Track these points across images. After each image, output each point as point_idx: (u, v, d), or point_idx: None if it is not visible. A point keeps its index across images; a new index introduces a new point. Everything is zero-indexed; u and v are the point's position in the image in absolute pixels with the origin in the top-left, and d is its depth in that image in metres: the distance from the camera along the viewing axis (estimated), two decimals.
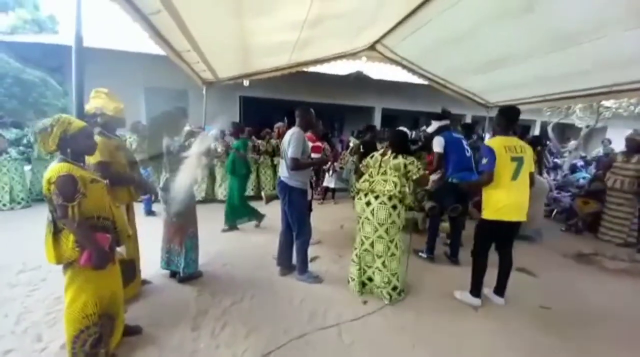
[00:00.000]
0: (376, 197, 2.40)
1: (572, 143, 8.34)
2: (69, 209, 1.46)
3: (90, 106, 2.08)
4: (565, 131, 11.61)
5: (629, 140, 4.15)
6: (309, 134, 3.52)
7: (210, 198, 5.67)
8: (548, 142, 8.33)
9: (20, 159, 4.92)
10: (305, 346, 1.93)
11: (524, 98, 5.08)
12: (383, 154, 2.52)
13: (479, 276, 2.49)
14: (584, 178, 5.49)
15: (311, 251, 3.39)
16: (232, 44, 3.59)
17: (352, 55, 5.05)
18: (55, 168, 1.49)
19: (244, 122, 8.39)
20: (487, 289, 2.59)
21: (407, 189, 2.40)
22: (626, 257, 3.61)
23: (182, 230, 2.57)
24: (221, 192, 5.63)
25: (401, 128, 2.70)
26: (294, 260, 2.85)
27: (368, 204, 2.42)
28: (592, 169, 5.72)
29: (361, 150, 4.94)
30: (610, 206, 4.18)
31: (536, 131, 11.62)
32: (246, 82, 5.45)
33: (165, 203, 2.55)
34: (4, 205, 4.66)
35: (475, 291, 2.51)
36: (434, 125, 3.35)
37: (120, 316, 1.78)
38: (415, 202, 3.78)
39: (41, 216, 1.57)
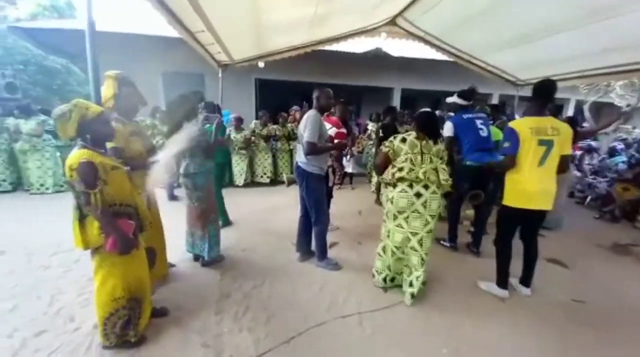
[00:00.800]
0: (425, 187, 2.14)
1: (611, 124, 7.67)
2: (91, 196, 1.46)
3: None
4: (604, 111, 10.73)
5: None
6: (334, 118, 3.41)
7: (226, 183, 5.73)
8: (584, 124, 7.74)
9: (59, 146, 5.06)
10: (325, 334, 1.92)
11: (558, 74, 4.66)
12: (418, 138, 2.23)
13: (504, 265, 2.38)
14: (623, 162, 5.07)
15: (330, 238, 3.36)
16: (246, 22, 3.46)
17: (371, 31, 4.79)
18: (76, 154, 1.48)
19: (260, 105, 8.33)
20: (514, 280, 2.47)
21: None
22: None
23: (204, 215, 2.59)
24: (235, 174, 5.68)
25: (426, 109, 2.49)
26: (313, 246, 2.83)
27: (418, 195, 2.14)
28: (634, 152, 5.25)
29: (380, 134, 4.74)
30: None
31: (570, 111, 10.81)
32: (261, 64, 5.33)
33: (186, 188, 2.57)
34: (47, 188, 4.88)
35: (502, 281, 2.39)
36: (455, 99, 3.07)
37: (148, 299, 1.82)
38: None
39: None
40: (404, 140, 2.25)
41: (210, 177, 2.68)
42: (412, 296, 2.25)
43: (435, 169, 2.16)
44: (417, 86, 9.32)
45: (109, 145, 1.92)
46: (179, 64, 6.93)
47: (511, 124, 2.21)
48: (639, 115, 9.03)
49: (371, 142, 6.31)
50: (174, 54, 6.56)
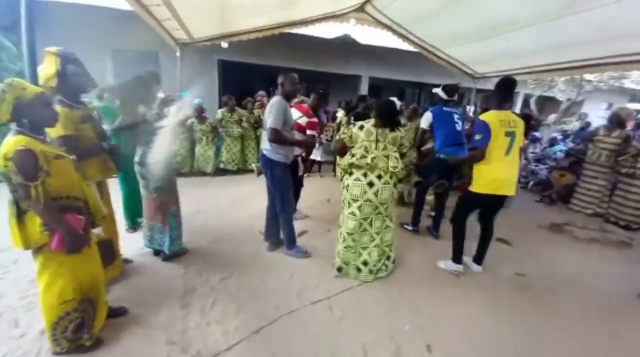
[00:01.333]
0: (379, 177, 2.22)
1: (552, 116, 8.53)
2: (32, 189, 1.30)
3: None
4: (546, 104, 11.84)
5: (613, 115, 4.25)
6: (305, 106, 3.30)
7: (191, 171, 5.45)
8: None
9: None
10: (296, 321, 1.95)
11: (511, 69, 5.04)
12: (376, 126, 2.29)
13: (460, 242, 2.59)
14: (560, 151, 5.68)
15: (299, 226, 3.38)
16: None
17: (340, 16, 4.72)
18: (11, 142, 1.30)
19: (224, 89, 7.91)
20: (467, 258, 2.70)
21: (402, 164, 2.32)
22: (596, 227, 3.87)
23: (164, 206, 2.44)
24: (201, 162, 5.42)
25: (393, 99, 2.55)
26: (282, 235, 2.82)
27: (370, 185, 2.22)
28: (570, 143, 5.91)
29: (352, 121, 4.78)
30: (585, 178, 4.38)
31: (519, 103, 11.78)
32: (225, 44, 5.02)
33: (142, 178, 2.38)
34: None
35: (457, 257, 2.61)
36: (439, 92, 3.20)
37: (102, 299, 1.70)
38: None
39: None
40: (361, 127, 2.31)
41: (170, 165, 2.51)
42: (370, 272, 2.40)
43: (387, 156, 2.23)
44: (383, 75, 9.47)
45: (56, 133, 1.71)
46: (131, 41, 6.27)
47: (482, 117, 2.36)
48: (577, 109, 10.14)
49: (341, 130, 6.34)
50: (124, 29, 5.92)
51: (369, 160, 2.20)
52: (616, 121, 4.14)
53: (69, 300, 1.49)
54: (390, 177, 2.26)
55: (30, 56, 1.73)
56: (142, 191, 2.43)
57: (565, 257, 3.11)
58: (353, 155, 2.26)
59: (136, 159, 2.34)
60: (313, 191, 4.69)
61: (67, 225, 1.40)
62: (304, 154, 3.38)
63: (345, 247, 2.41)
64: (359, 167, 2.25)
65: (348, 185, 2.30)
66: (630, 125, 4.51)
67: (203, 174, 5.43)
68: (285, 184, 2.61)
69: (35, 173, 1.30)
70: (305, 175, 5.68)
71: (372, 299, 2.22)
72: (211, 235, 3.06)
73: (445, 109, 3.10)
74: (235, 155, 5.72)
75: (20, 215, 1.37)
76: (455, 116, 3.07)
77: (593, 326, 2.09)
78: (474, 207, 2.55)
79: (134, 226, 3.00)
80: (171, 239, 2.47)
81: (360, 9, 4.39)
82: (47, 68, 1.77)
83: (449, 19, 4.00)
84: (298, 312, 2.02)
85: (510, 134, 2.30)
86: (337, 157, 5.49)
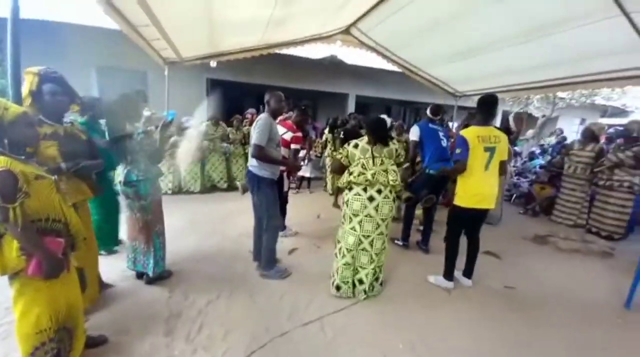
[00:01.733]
0: (379, 191, 2.23)
1: (530, 132, 8.94)
2: (10, 212, 1.24)
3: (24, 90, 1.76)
4: (523, 120, 12.43)
5: (585, 130, 4.50)
6: (289, 122, 3.38)
7: (177, 190, 5.34)
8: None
9: None
10: (287, 343, 1.88)
11: (490, 88, 5.30)
12: (370, 143, 2.32)
13: (452, 260, 2.60)
14: (540, 164, 5.93)
15: (289, 243, 3.35)
16: (197, 18, 3.27)
17: (327, 38, 4.90)
18: None
19: (211, 107, 7.93)
20: (457, 272, 2.71)
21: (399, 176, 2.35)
22: (578, 237, 3.99)
23: (148, 226, 2.36)
24: (185, 183, 5.32)
25: (383, 116, 2.64)
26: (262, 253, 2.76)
27: (371, 199, 2.22)
28: (548, 156, 6.18)
29: (341, 136, 4.86)
30: (564, 190, 4.56)
31: (498, 120, 12.30)
32: (213, 63, 5.09)
33: (127, 197, 2.31)
34: None
35: (449, 274, 2.62)
36: (427, 112, 3.40)
37: (80, 327, 1.59)
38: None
39: None
40: (356, 146, 2.35)
41: (155, 184, 2.46)
42: (365, 292, 2.36)
43: (386, 171, 2.26)
44: (370, 93, 9.77)
45: None
46: (118, 59, 6.28)
47: (462, 133, 2.46)
48: (552, 125, 10.67)
49: (328, 148, 6.42)
50: (111, 46, 5.92)
51: (369, 176, 2.21)
52: (589, 136, 4.37)
53: (45, 329, 1.39)
54: (390, 192, 2.27)
55: (15, 74, 1.70)
56: (126, 211, 2.36)
57: (550, 268, 3.17)
58: (351, 173, 2.27)
59: (120, 178, 2.29)
60: (303, 207, 4.67)
61: (45, 249, 1.33)
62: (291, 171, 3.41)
63: (344, 265, 2.35)
64: (358, 183, 2.26)
65: (348, 200, 2.30)
66: (602, 139, 4.76)
67: (190, 192, 5.31)
68: (272, 200, 2.59)
69: (14, 195, 1.25)
70: (294, 191, 5.71)
71: (364, 318, 2.18)
72: (198, 255, 2.97)
73: (431, 125, 3.21)
74: (222, 173, 5.66)
75: None
76: (440, 133, 3.19)
77: (582, 337, 2.11)
78: (462, 222, 2.58)
79: (109, 251, 2.88)
80: (155, 260, 2.38)
81: (346, 31, 4.58)
82: (24, 88, 1.74)
83: (430, 41, 4.23)
84: (289, 334, 1.95)
85: (490, 150, 2.38)
86: (329, 173, 5.57)
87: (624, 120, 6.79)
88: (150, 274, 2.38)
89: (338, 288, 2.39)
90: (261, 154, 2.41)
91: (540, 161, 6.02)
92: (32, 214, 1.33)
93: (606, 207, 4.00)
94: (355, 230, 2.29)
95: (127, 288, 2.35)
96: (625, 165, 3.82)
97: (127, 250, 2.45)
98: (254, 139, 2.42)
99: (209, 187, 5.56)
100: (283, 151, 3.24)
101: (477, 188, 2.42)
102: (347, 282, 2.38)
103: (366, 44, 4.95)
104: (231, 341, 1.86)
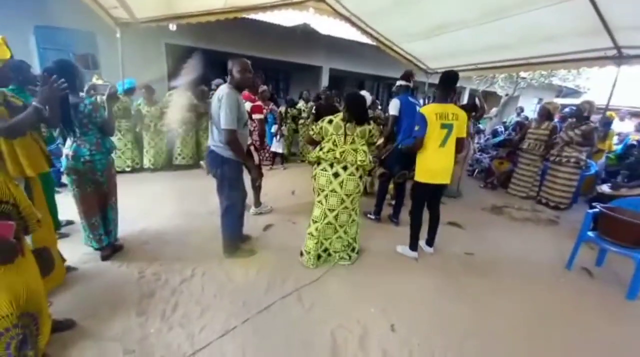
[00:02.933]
0: (344, 168, 2.27)
1: (494, 110, 9.41)
2: None
3: None
4: (488, 98, 13.02)
5: (542, 109, 4.81)
6: (245, 92, 3.08)
7: (138, 167, 4.99)
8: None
9: None
10: (265, 316, 1.93)
11: (459, 66, 5.43)
12: (344, 120, 2.30)
13: (416, 232, 2.77)
14: (498, 141, 6.33)
15: (264, 219, 3.34)
16: None
17: (299, 4, 4.63)
18: None
19: (172, 76, 7.30)
20: (421, 241, 2.90)
21: (370, 157, 2.38)
22: (529, 207, 4.40)
23: (103, 200, 2.30)
24: (149, 159, 4.97)
25: (364, 92, 2.58)
26: (246, 229, 2.74)
27: (336, 175, 2.27)
28: (511, 132, 6.58)
29: (313, 112, 4.76)
30: (520, 165, 4.93)
31: (465, 97, 12.76)
32: (173, 27, 4.63)
33: (75, 173, 2.12)
34: None
35: (413, 245, 2.80)
36: (398, 83, 3.34)
37: (45, 312, 1.50)
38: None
39: None
40: (330, 121, 2.33)
41: (110, 158, 2.31)
42: (330, 256, 2.50)
43: (355, 150, 2.28)
44: (344, 67, 9.55)
45: None
46: (61, 17, 5.46)
47: (421, 110, 2.52)
48: (514, 103, 11.29)
49: (301, 121, 6.30)
50: (52, 1, 5.12)
51: (337, 154, 2.24)
52: (545, 114, 4.70)
53: (6, 315, 1.29)
54: (357, 169, 2.30)
55: None
56: (73, 189, 2.19)
57: (505, 235, 3.50)
58: (321, 149, 2.28)
59: (68, 152, 2.07)
60: (277, 184, 4.63)
61: None
62: (257, 143, 3.25)
63: (308, 234, 2.46)
64: (326, 160, 2.29)
65: (316, 174, 2.36)
66: (557, 117, 5.13)
67: (154, 169, 5.00)
68: (236, 184, 2.37)
69: None
70: (268, 168, 5.60)
71: (338, 287, 2.28)
72: (169, 234, 2.87)
73: (410, 99, 3.20)
74: (192, 149, 5.36)
75: None
76: (417, 108, 3.20)
77: (530, 295, 2.40)
78: (424, 196, 2.72)
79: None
80: (105, 231, 2.35)
81: None
82: None
83: (402, 16, 4.18)
84: (267, 308, 1.99)
85: (447, 126, 2.47)
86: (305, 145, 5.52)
87: (577, 100, 7.35)
88: (103, 244, 2.34)
89: (301, 254, 2.52)
90: (233, 140, 2.12)
91: (502, 138, 6.41)
92: None
93: (555, 181, 4.42)
94: (321, 203, 2.37)
95: (92, 270, 2.23)
96: (574, 143, 4.19)
97: (82, 227, 2.32)
98: (222, 123, 2.06)
99: (174, 165, 5.26)
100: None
101: (432, 163, 2.53)
102: (310, 252, 2.45)
103: (340, 12, 4.76)
104: (208, 317, 1.87)
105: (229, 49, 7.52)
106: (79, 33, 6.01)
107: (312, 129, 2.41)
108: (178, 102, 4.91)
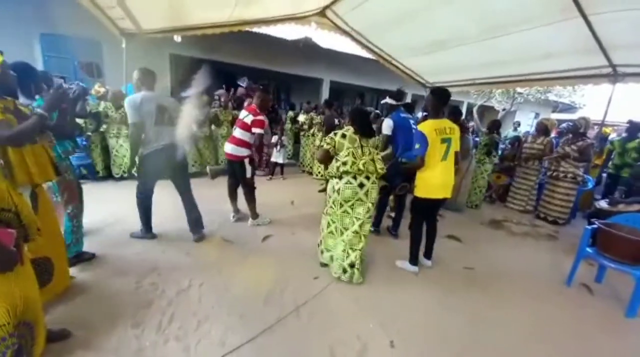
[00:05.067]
0: (367, 178, 2.37)
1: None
2: None
3: None
4: (485, 113, 13.21)
5: (539, 124, 4.89)
6: (252, 106, 3.22)
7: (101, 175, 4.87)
8: (471, 123, 9.39)
9: None
10: (264, 329, 1.90)
11: (457, 80, 5.55)
12: (356, 133, 2.42)
13: (416, 246, 2.76)
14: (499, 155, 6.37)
15: (263, 230, 3.33)
16: None
17: (302, 19, 4.74)
18: None
19: (176, 86, 7.40)
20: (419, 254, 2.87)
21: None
22: (527, 222, 4.41)
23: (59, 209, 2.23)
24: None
25: (369, 108, 2.66)
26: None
27: (361, 186, 2.36)
28: (509, 146, 6.63)
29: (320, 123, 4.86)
30: (517, 179, 4.97)
31: (463, 112, 12.95)
32: (178, 38, 4.71)
33: None
34: None
35: (413, 260, 2.77)
36: (384, 101, 3.44)
37: (41, 322, 1.48)
38: None
39: None
40: (343, 136, 2.42)
41: (67, 163, 2.31)
42: (352, 266, 2.45)
43: (373, 160, 2.39)
44: (344, 80, 9.73)
45: None
46: (66, 26, 5.57)
47: (420, 127, 2.56)
48: (511, 118, 11.46)
49: (303, 133, 6.36)
50: (59, 10, 5.23)
51: (360, 165, 2.33)
52: (542, 129, 4.77)
53: (3, 324, 1.27)
54: (376, 178, 2.43)
55: None
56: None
57: (504, 250, 3.49)
58: (344, 163, 2.34)
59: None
60: (277, 194, 4.63)
61: None
62: (253, 155, 3.30)
63: (338, 242, 2.48)
64: (350, 172, 2.34)
65: (339, 188, 2.38)
66: (554, 133, 5.22)
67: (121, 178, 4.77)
68: (142, 177, 2.72)
69: None
70: (267, 178, 5.62)
71: (337, 301, 2.26)
72: (164, 242, 2.85)
73: (402, 115, 3.27)
74: (195, 155, 5.37)
75: None
76: (411, 121, 3.26)
77: (530, 309, 2.38)
78: (424, 211, 2.72)
79: None
80: (69, 241, 2.30)
81: (321, 13, 4.46)
82: None
83: (402, 32, 4.28)
84: (264, 320, 1.97)
85: (446, 141, 2.52)
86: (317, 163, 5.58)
87: (572, 116, 7.48)
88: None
89: (322, 253, 2.59)
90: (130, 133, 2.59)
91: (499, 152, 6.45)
92: None
93: (553, 195, 4.45)
94: (347, 213, 2.43)
95: (89, 279, 2.21)
96: (571, 158, 4.24)
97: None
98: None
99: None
100: (244, 135, 3.14)
101: (434, 178, 2.55)
102: (339, 261, 2.48)
103: (341, 27, 4.87)
104: (205, 330, 1.84)
105: (232, 60, 7.67)
106: (84, 41, 6.13)
107: (327, 143, 2.45)
108: (186, 114, 4.85)
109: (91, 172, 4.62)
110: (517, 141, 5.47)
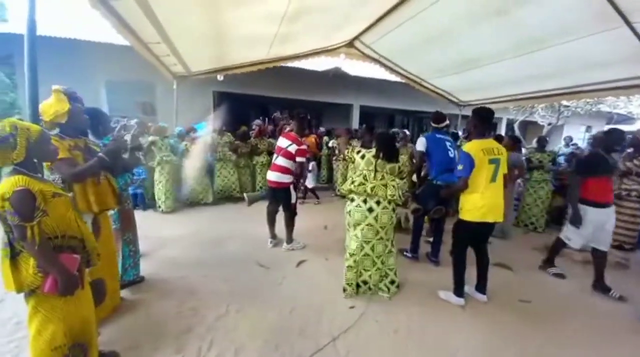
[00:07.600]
0: (377, 203, 2.38)
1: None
2: (28, 230, 1.26)
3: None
4: (528, 128, 12.41)
5: (634, 139, 4.30)
6: (292, 134, 3.33)
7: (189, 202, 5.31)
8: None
9: None
10: None
11: (493, 97, 5.33)
12: (375, 157, 2.45)
13: (460, 274, 2.54)
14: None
15: (297, 255, 3.34)
16: (207, 36, 3.37)
17: (331, 51, 4.99)
18: (10, 182, 1.27)
19: (218, 118, 8.03)
20: (469, 287, 2.64)
21: (401, 191, 2.43)
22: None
23: (117, 235, 2.40)
24: (199, 191, 5.32)
25: (396, 130, 2.69)
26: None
27: (370, 210, 2.38)
28: (562, 163, 6.07)
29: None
30: None
31: (502, 128, 12.29)
32: (220, 77, 5.20)
33: None
34: None
35: (458, 290, 2.55)
36: (432, 123, 3.38)
37: (94, 344, 1.59)
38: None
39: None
40: (363, 156, 2.50)
41: (126, 193, 2.51)
42: (370, 289, 2.54)
43: (385, 185, 2.39)
44: (373, 103, 9.85)
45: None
46: (126, 72, 6.42)
47: (464, 148, 2.42)
48: (559, 133, 10.63)
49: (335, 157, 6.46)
50: (120, 60, 6.07)
51: (368, 189, 2.36)
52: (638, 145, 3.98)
53: (59, 346, 1.40)
54: (389, 203, 2.40)
55: (32, 91, 1.77)
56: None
57: (564, 280, 3.10)
58: (353, 182, 2.42)
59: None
60: (310, 219, 4.66)
61: (61, 266, 1.34)
62: (295, 181, 3.38)
63: (347, 267, 2.51)
64: (358, 193, 2.39)
65: (350, 210, 2.46)
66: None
67: (201, 203, 5.29)
68: None
69: (32, 213, 1.27)
70: (300, 202, 5.70)
71: (376, 332, 2.14)
72: (205, 267, 2.96)
73: (438, 135, 3.20)
74: (235, 183, 5.67)
75: (14, 256, 1.31)
76: (447, 143, 3.16)
77: (598, 350, 2.06)
78: (469, 236, 2.54)
79: None
80: (123, 268, 2.44)
81: (350, 44, 4.66)
82: (58, 104, 1.79)
83: (431, 54, 4.29)
84: (300, 353, 1.92)
85: (495, 161, 2.37)
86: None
87: (631, 128, 6.71)
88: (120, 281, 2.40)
89: (344, 290, 2.54)
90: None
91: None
92: (49, 231, 1.35)
93: (617, 217, 3.89)
94: (357, 237, 2.46)
95: (137, 301, 2.35)
96: (633, 174, 3.77)
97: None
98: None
99: (220, 198, 5.54)
100: (287, 163, 3.24)
101: (483, 201, 2.37)
102: (351, 284, 2.53)
103: (369, 56, 5.02)
104: None
105: (267, 93, 8.20)
106: (140, 84, 6.98)
107: (348, 156, 2.67)
108: (200, 143, 4.90)
109: (142, 201, 5.05)
110: (573, 157, 5.01)
